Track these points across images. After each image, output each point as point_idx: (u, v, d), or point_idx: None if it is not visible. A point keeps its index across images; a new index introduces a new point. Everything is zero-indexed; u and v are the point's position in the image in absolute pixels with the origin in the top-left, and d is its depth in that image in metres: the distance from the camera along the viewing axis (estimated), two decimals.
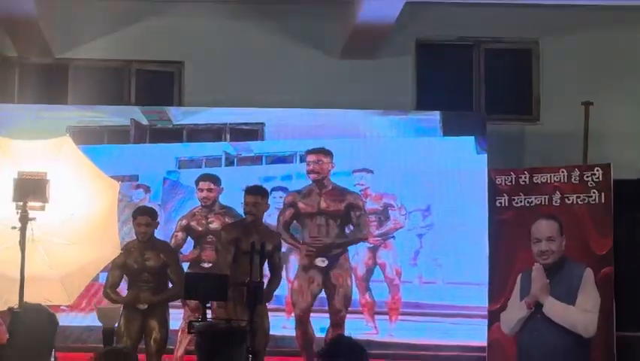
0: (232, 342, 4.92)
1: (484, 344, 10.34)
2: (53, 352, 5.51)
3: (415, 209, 10.90)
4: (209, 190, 10.77)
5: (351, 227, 10.79)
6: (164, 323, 9.13)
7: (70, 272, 7.37)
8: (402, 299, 10.77)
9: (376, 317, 10.78)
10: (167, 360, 9.60)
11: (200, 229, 10.72)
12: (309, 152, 10.86)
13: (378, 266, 10.82)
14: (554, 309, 10.11)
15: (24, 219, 7.07)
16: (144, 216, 9.12)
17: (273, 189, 10.61)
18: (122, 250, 8.42)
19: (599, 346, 9.95)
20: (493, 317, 10.34)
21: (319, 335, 10.38)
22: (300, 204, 10.76)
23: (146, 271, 9.04)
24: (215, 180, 10.81)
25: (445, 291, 10.74)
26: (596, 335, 9.94)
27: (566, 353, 10.05)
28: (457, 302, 10.71)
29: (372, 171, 10.91)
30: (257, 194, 9.10)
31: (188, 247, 10.72)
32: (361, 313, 10.74)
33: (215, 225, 10.62)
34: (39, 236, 7.20)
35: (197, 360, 4.93)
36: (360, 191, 10.86)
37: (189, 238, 10.71)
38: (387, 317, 10.76)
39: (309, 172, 10.85)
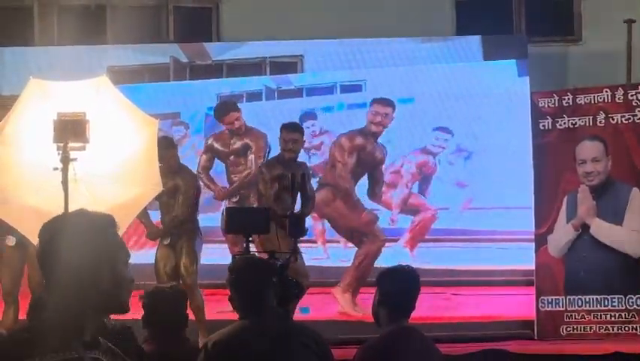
0: (257, 275, 4.93)
1: (532, 267, 10.33)
2: None
3: (459, 135, 10.85)
4: (237, 119, 10.86)
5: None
6: (189, 253, 9.29)
7: (113, 210, 7.23)
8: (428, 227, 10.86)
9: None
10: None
11: (223, 149, 10.84)
12: (377, 101, 10.83)
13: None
14: (602, 230, 10.07)
15: (65, 160, 7.11)
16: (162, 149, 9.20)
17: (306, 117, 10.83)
18: None
19: None
20: (541, 241, 10.31)
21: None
22: (362, 154, 10.81)
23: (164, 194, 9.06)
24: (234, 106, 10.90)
25: (491, 216, 10.72)
26: None
27: (615, 274, 10.02)
28: (504, 227, 10.69)
29: (452, 133, 10.88)
30: (296, 131, 9.10)
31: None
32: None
33: (238, 145, 10.75)
34: (81, 176, 7.23)
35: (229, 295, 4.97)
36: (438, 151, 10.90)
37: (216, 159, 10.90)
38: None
39: (373, 123, 10.81)
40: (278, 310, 5.13)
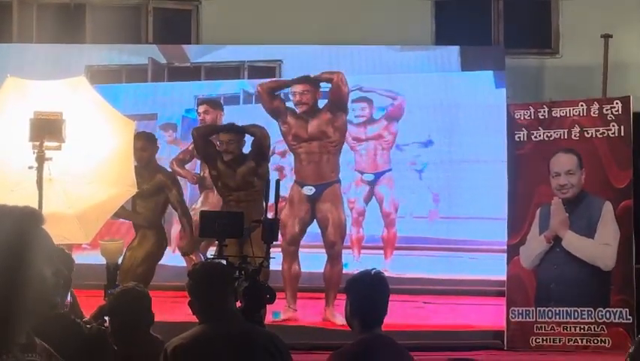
0: (215, 280, 4.93)
1: (504, 278, 10.39)
2: (71, 290, 5.60)
3: (434, 143, 10.85)
4: (206, 112, 10.78)
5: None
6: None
7: (87, 210, 7.40)
8: (397, 234, 10.73)
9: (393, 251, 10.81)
10: None
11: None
12: (293, 81, 10.75)
13: (376, 200, 10.82)
14: (574, 243, 10.14)
15: (40, 159, 7.09)
16: (139, 141, 9.21)
17: None
18: None
19: (618, 279, 9.98)
20: (513, 252, 10.37)
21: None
22: (289, 137, 10.73)
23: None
24: (213, 103, 10.82)
25: (464, 226, 10.73)
26: (615, 267, 9.98)
27: (586, 286, 10.09)
28: (477, 237, 10.71)
29: (371, 100, 10.87)
30: (230, 131, 9.19)
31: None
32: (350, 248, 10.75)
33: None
34: (56, 176, 7.23)
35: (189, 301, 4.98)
36: (362, 121, 10.83)
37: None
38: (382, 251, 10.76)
39: (296, 105, 10.74)
40: (238, 314, 5.12)
